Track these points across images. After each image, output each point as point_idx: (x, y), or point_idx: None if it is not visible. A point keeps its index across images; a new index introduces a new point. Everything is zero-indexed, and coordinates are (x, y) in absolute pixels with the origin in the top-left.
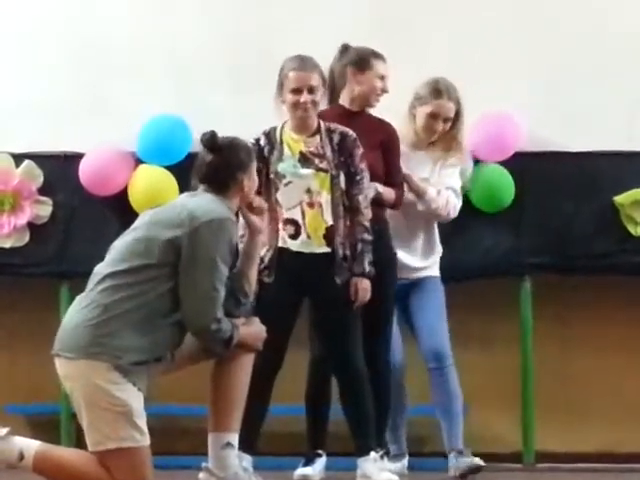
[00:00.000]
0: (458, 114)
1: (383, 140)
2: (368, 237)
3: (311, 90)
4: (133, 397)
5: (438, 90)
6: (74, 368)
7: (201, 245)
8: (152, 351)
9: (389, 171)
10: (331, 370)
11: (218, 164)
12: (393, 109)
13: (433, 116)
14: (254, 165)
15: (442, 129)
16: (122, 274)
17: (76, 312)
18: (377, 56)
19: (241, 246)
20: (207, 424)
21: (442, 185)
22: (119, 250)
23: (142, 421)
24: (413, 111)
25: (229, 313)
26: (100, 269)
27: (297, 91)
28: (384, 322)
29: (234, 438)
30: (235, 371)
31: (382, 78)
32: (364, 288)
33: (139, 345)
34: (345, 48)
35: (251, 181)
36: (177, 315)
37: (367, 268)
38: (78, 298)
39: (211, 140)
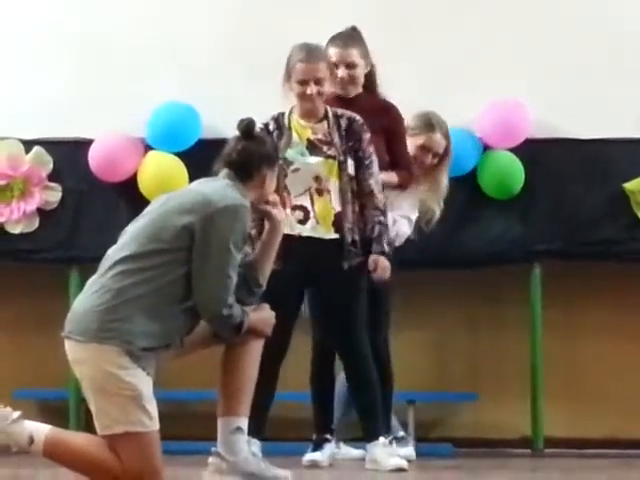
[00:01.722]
0: (446, 151)
1: (385, 124)
2: (385, 220)
3: (317, 81)
4: (142, 382)
5: (431, 124)
6: (84, 351)
7: (215, 230)
8: (163, 337)
9: (393, 155)
10: (337, 355)
11: (249, 152)
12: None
13: (424, 148)
14: (277, 167)
15: (430, 163)
16: (134, 259)
17: (87, 296)
18: (333, 44)
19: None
20: (216, 409)
21: (399, 210)
22: (132, 234)
23: (151, 406)
24: None
25: (241, 301)
26: (112, 253)
27: (304, 82)
28: (382, 307)
29: (244, 423)
30: (245, 356)
31: (336, 65)
32: (384, 266)
33: (150, 331)
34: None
35: (272, 180)
36: (190, 302)
37: (386, 248)
38: (89, 282)
39: (248, 127)
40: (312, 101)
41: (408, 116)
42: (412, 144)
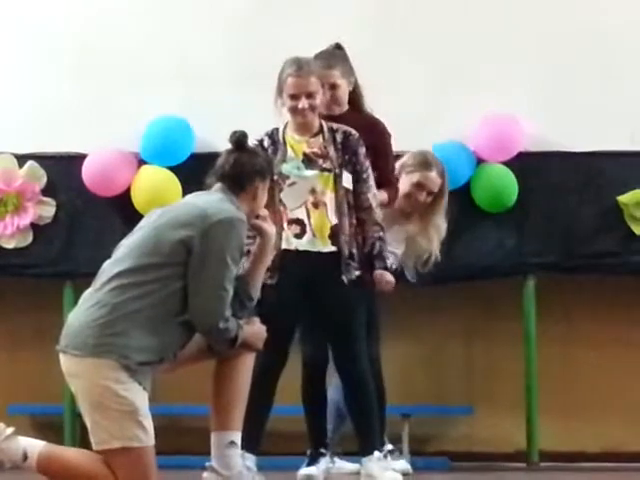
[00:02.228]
0: (441, 190)
1: (370, 141)
2: (384, 235)
3: (309, 95)
4: (138, 396)
5: (427, 162)
6: (80, 365)
7: (212, 244)
8: (159, 351)
9: (379, 171)
10: (335, 369)
11: (241, 164)
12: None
13: (419, 186)
14: (269, 181)
15: (424, 201)
16: (130, 273)
17: (83, 310)
18: (321, 64)
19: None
20: (209, 423)
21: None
22: (127, 249)
23: (147, 421)
24: (398, 177)
25: (233, 315)
26: (107, 267)
27: (295, 97)
28: (373, 324)
29: (237, 437)
30: (237, 370)
31: (329, 86)
32: (389, 280)
33: (147, 345)
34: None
35: (264, 194)
36: (185, 316)
37: (389, 263)
38: (84, 296)
39: (240, 139)
40: (304, 115)
41: (402, 130)
42: (407, 181)
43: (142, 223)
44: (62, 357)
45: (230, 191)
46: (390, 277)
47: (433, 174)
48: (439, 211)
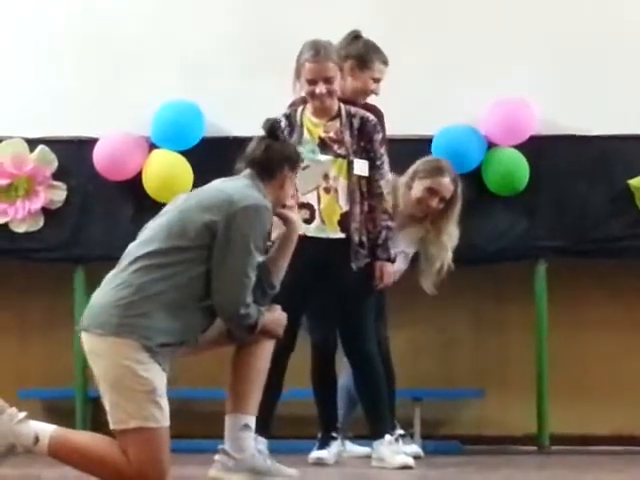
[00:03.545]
0: (454, 198)
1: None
2: (391, 224)
3: (327, 80)
4: (157, 377)
5: (440, 168)
6: (102, 344)
7: (237, 230)
8: (180, 334)
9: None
10: (345, 354)
11: (272, 151)
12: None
13: (431, 191)
14: (297, 172)
15: (436, 207)
16: (155, 255)
17: (107, 290)
18: (380, 58)
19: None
20: (221, 408)
21: (396, 247)
22: (153, 231)
23: (164, 401)
24: (410, 184)
25: (255, 302)
26: (133, 249)
27: (312, 82)
28: (380, 308)
29: (252, 421)
30: (256, 356)
31: (377, 81)
32: (389, 272)
33: (169, 327)
34: (355, 37)
35: (292, 183)
36: (208, 300)
37: (392, 254)
38: (108, 276)
39: (273, 127)
40: (322, 100)
41: (413, 113)
42: (419, 186)
43: (168, 207)
44: (84, 336)
45: (258, 178)
46: (390, 268)
47: (446, 180)
48: (452, 218)
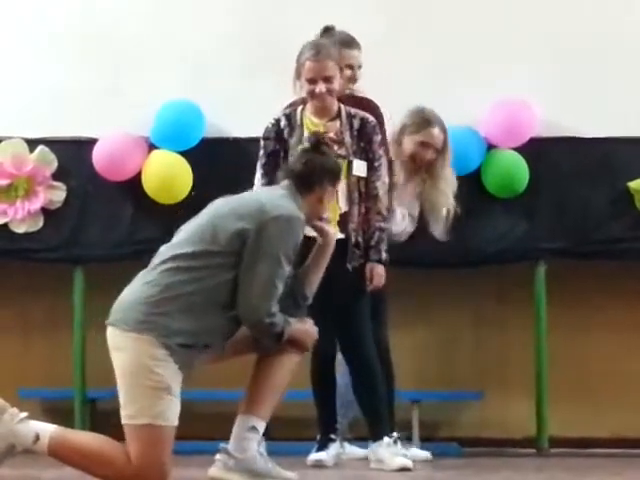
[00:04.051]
0: (445, 144)
1: None
2: (385, 225)
3: (327, 79)
4: (173, 376)
5: (427, 119)
6: (124, 339)
7: (267, 239)
8: (202, 337)
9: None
10: (342, 356)
11: (314, 164)
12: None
13: (423, 144)
14: (336, 187)
15: (430, 158)
16: (185, 257)
17: (137, 288)
18: (350, 47)
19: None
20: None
21: (402, 206)
22: (187, 234)
23: (176, 401)
24: (400, 139)
25: (286, 313)
26: (164, 250)
27: (312, 81)
28: (382, 307)
29: (260, 425)
30: (281, 364)
31: (350, 67)
32: (380, 274)
33: (189, 329)
34: (326, 30)
35: (330, 198)
36: (233, 310)
37: (384, 256)
38: (142, 273)
39: (320, 141)
40: (322, 100)
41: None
42: (410, 142)
43: (204, 211)
44: (109, 330)
45: (297, 190)
46: (380, 270)
47: (436, 130)
48: (446, 164)
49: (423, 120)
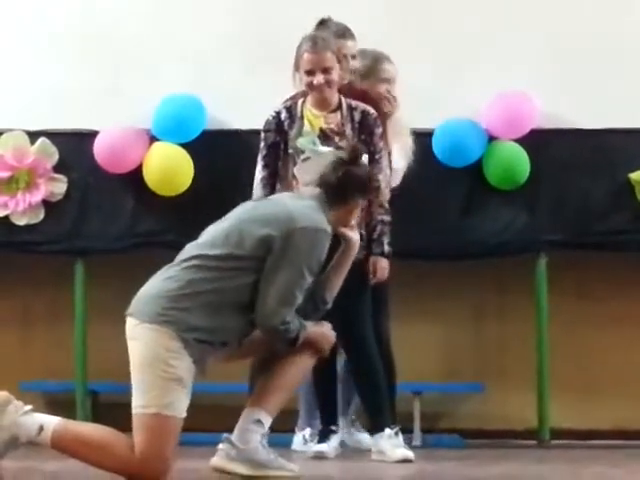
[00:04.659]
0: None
1: None
2: (387, 218)
3: (325, 71)
4: (186, 369)
5: (376, 56)
6: (141, 330)
7: (292, 248)
8: (218, 334)
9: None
10: (342, 348)
11: (348, 178)
12: (411, 86)
13: (386, 81)
14: (366, 200)
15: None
16: (209, 257)
17: (158, 281)
18: (339, 34)
19: None
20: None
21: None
22: (212, 235)
23: (187, 393)
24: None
25: (305, 316)
26: (189, 248)
27: (311, 72)
28: (383, 301)
29: (266, 419)
30: (295, 364)
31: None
32: (383, 267)
33: (206, 326)
34: (321, 23)
35: (359, 210)
36: (251, 313)
37: (386, 249)
38: (163, 269)
39: (359, 155)
40: (321, 91)
41: (413, 106)
42: (374, 85)
43: (232, 213)
44: (128, 320)
45: (328, 201)
46: (383, 263)
47: (391, 64)
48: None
49: (374, 58)
